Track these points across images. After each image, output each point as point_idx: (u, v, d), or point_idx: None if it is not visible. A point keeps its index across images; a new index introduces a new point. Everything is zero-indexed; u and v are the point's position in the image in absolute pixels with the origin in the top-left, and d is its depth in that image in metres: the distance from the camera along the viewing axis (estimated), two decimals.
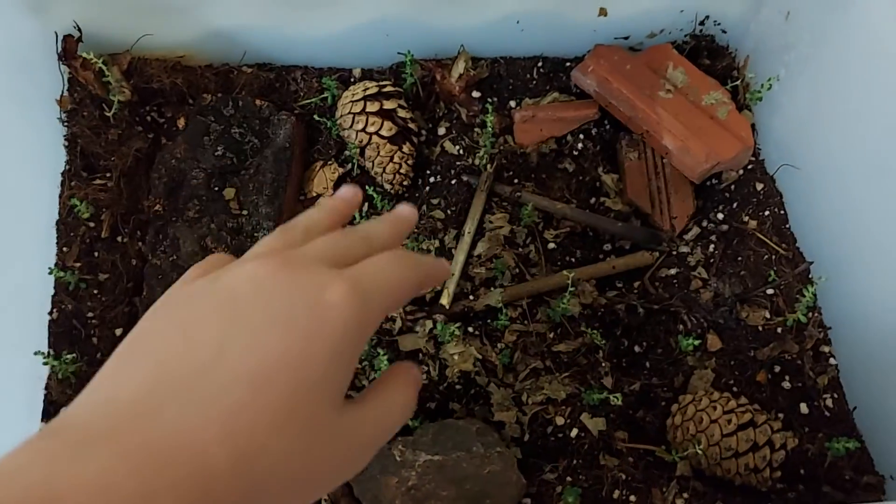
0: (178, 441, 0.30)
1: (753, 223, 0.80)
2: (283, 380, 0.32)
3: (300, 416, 0.33)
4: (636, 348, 0.76)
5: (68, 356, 0.71)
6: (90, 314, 0.76)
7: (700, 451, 0.65)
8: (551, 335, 0.76)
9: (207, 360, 0.32)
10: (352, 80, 0.89)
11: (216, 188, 0.79)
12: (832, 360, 0.73)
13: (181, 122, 0.83)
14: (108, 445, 0.29)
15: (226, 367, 0.32)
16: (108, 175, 0.81)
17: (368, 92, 0.82)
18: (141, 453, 0.29)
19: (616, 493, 0.67)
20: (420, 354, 0.75)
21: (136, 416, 0.30)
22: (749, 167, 0.84)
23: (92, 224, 0.79)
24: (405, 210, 0.45)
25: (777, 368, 0.73)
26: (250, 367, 0.32)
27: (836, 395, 0.72)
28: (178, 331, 0.34)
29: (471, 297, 0.79)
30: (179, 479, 0.29)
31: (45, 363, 0.71)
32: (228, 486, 0.30)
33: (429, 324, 0.76)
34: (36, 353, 0.71)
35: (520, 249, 0.81)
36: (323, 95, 0.86)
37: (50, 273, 0.75)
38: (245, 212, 0.78)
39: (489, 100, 0.88)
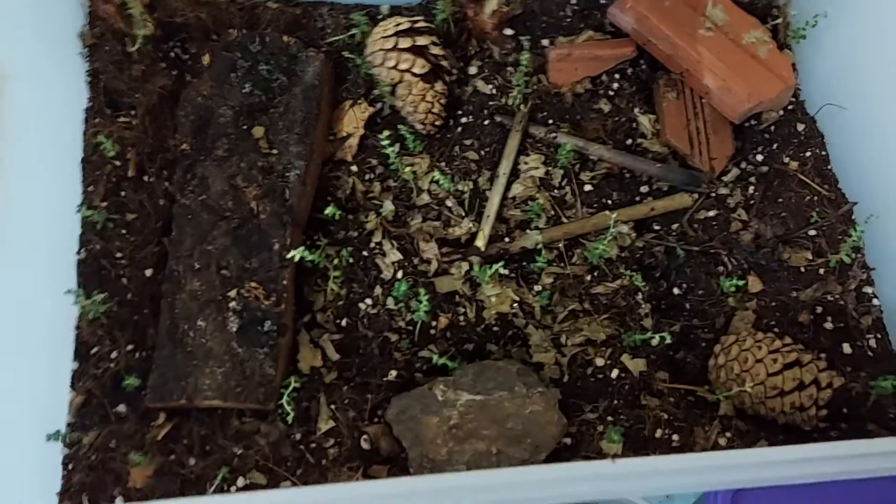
0: None
1: (794, 164, 0.79)
2: None
3: None
4: (675, 290, 0.75)
5: (98, 296, 0.70)
6: (119, 254, 0.74)
7: (749, 390, 0.64)
8: (589, 277, 0.75)
9: None
10: (379, 16, 0.86)
11: (245, 126, 0.77)
12: (875, 301, 0.72)
13: (206, 59, 0.80)
14: None
15: None
16: (132, 112, 0.79)
17: (400, 28, 0.79)
18: None
19: (658, 433, 0.67)
20: (457, 296, 0.74)
21: None
22: (790, 108, 0.82)
23: (118, 163, 0.77)
24: None
25: (819, 309, 0.72)
26: None
27: (879, 336, 0.71)
28: None
29: (506, 240, 0.77)
30: None
31: (76, 303, 0.69)
32: None
33: (465, 265, 0.75)
34: (66, 293, 0.69)
35: (555, 191, 0.79)
36: (351, 32, 0.84)
37: (77, 212, 0.73)
38: (275, 151, 0.76)
39: (522, 38, 0.85)
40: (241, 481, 0.66)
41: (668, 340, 0.67)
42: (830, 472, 0.48)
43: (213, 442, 0.67)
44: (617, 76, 0.84)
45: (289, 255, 0.67)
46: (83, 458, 0.66)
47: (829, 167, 0.78)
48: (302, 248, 0.67)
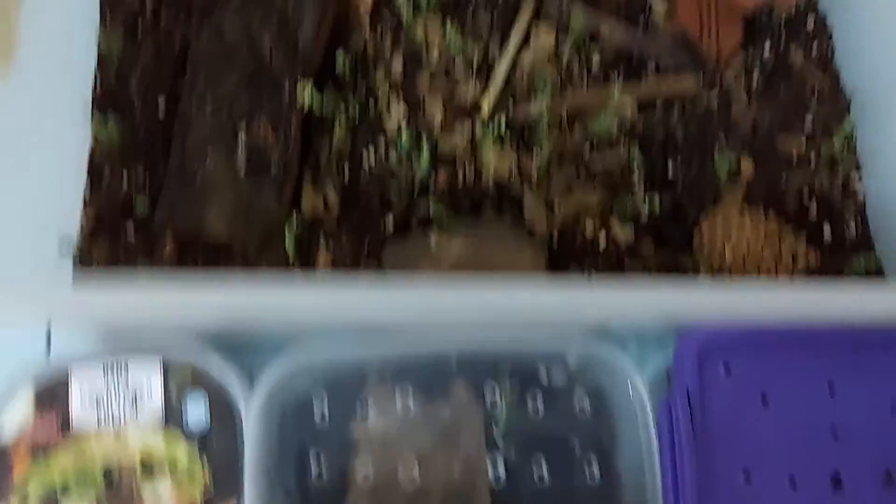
0: None
1: (800, 57, 0.80)
2: None
3: None
4: (670, 167, 0.78)
5: (112, 126, 0.72)
6: (133, 91, 0.76)
7: (727, 261, 0.67)
8: (588, 148, 0.77)
9: None
10: None
11: None
12: (860, 191, 0.75)
13: None
14: None
15: None
16: None
17: None
18: None
19: None
20: (457, 156, 0.76)
21: None
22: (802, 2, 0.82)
23: (135, 5, 0.78)
24: None
25: (806, 195, 0.75)
26: None
27: (859, 224, 0.74)
28: None
29: (510, 107, 0.79)
30: None
31: (92, 130, 0.72)
32: None
33: (468, 126, 0.77)
34: (82, 119, 0.72)
35: (564, 63, 0.80)
36: None
37: (96, 44, 0.75)
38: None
39: None
40: None
41: (657, 209, 0.70)
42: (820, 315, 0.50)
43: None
44: None
45: (299, 99, 0.69)
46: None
47: (833, 62, 0.80)
48: (311, 90, 0.69)
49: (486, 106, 0.78)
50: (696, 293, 0.50)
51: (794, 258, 0.68)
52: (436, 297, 0.49)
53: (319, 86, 0.78)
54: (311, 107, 0.73)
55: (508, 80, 0.80)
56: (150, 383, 0.66)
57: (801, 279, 0.68)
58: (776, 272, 0.68)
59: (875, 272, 0.70)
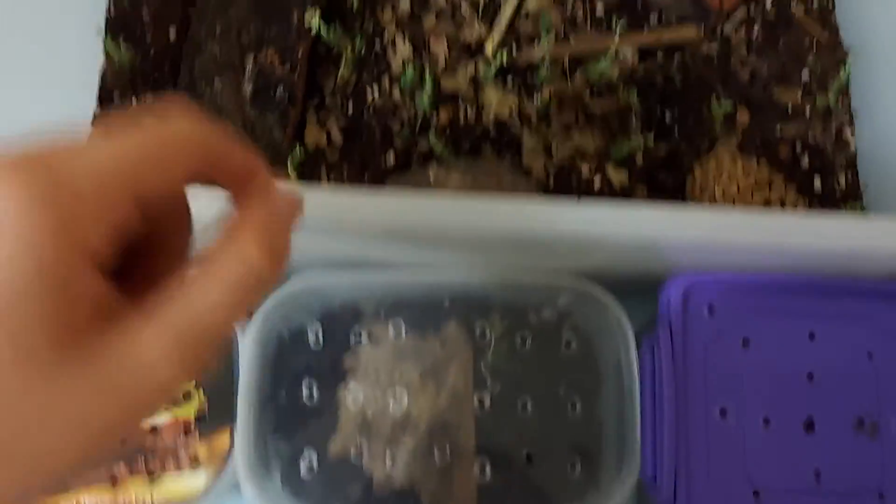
0: None
1: (801, 9, 0.81)
2: None
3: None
4: (667, 115, 0.79)
5: (124, 45, 0.74)
6: (145, 15, 0.77)
7: (718, 199, 0.69)
8: (588, 94, 0.79)
9: None
10: None
11: None
12: (851, 142, 0.76)
13: None
14: None
15: None
16: None
17: None
18: None
19: None
20: (459, 96, 0.78)
21: None
22: None
23: None
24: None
25: (799, 146, 0.76)
26: None
27: (850, 175, 0.75)
28: None
29: (514, 50, 0.80)
30: None
31: (104, 48, 0.73)
32: None
33: (470, 69, 0.79)
34: (95, 36, 0.73)
35: (567, 10, 0.82)
36: None
37: None
38: None
39: None
40: None
41: (652, 153, 0.72)
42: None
43: None
44: None
45: (307, 26, 0.71)
46: None
47: (833, 15, 0.81)
48: (319, 19, 0.70)
49: (490, 47, 0.79)
50: (683, 213, 0.52)
51: (782, 204, 0.70)
52: (432, 207, 0.51)
53: (327, 19, 0.79)
54: (317, 39, 0.74)
55: (512, 23, 0.81)
56: None
57: None
58: None
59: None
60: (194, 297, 0.26)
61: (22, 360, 0.22)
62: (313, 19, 0.72)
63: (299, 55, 0.73)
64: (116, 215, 0.25)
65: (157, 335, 0.25)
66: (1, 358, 0.22)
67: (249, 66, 0.73)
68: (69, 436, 0.23)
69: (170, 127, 0.29)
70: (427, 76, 0.76)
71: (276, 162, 0.72)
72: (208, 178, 0.30)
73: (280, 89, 0.72)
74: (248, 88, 0.72)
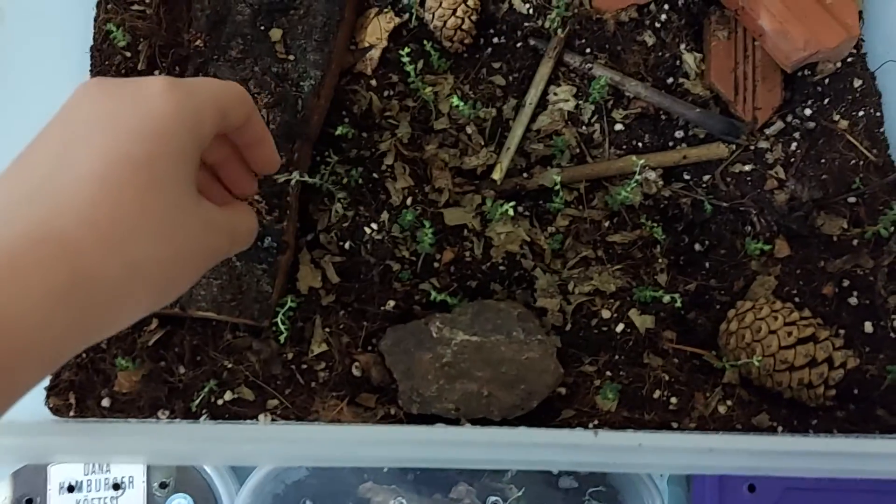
0: (38, 228, 0.34)
1: (844, 123, 0.73)
2: (127, 178, 0.36)
3: (157, 205, 0.37)
4: (697, 246, 0.71)
5: None
6: None
7: (756, 363, 0.61)
8: (607, 224, 0.71)
9: (50, 168, 0.36)
10: None
11: (262, 27, 0.72)
12: None
13: None
14: None
15: (69, 172, 0.36)
16: (146, 1, 0.75)
17: None
18: (4, 241, 0.33)
19: (657, 393, 0.65)
20: (465, 230, 0.71)
21: None
22: (848, 59, 0.75)
23: (128, 54, 0.73)
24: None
25: (846, 283, 0.68)
26: (93, 170, 0.36)
27: None
28: (32, 148, 0.38)
29: (524, 175, 0.73)
30: (44, 258, 0.33)
31: None
32: (99, 263, 0.35)
33: (477, 199, 0.72)
34: None
35: (583, 128, 0.74)
36: None
37: None
38: (291, 57, 0.72)
39: None
40: (228, 395, 0.65)
41: (679, 304, 0.64)
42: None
43: (204, 353, 0.67)
44: (666, 6, 0.77)
45: (288, 178, 0.64)
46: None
47: (881, 130, 0.72)
48: (297, 173, 0.64)
49: (498, 174, 0.72)
50: (703, 446, 0.44)
51: (829, 361, 0.62)
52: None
53: (319, 150, 0.73)
54: (311, 171, 0.68)
55: (522, 145, 0.74)
56: (131, 483, 0.62)
57: (835, 386, 0.62)
58: (808, 377, 0.62)
59: None
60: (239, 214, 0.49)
61: (188, 195, 0.40)
62: (293, 174, 0.65)
63: (288, 199, 0.67)
64: (210, 119, 0.42)
65: (225, 221, 0.45)
66: (177, 195, 0.39)
67: None
68: (216, 241, 0.43)
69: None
70: (427, 216, 0.70)
71: (265, 315, 0.66)
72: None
73: (267, 239, 0.66)
74: None
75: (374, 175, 0.72)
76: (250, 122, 0.47)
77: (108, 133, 0.37)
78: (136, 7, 0.75)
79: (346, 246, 0.70)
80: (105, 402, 0.64)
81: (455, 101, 0.70)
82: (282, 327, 0.66)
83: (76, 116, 0.38)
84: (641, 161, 0.69)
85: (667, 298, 0.66)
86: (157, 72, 0.74)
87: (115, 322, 0.37)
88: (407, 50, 0.70)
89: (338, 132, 0.69)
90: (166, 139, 0.38)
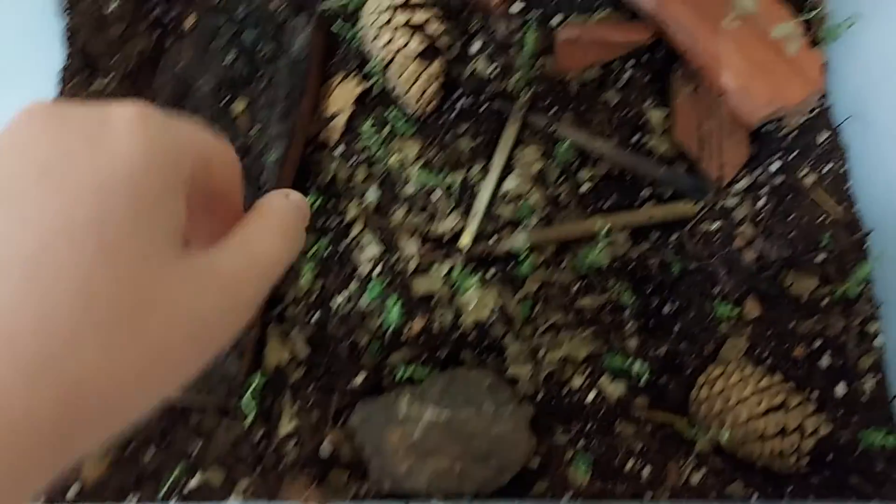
0: None
1: (811, 178, 0.73)
2: (67, 256, 0.25)
3: (117, 288, 0.25)
4: (666, 308, 0.71)
5: None
6: None
7: (724, 437, 0.61)
8: (576, 287, 0.71)
9: None
10: None
11: (224, 100, 0.72)
12: (878, 341, 0.67)
13: (189, 22, 0.75)
14: None
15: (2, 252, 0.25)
16: (110, 76, 0.75)
17: (396, 1, 0.73)
18: None
19: (630, 464, 0.64)
20: (434, 299, 0.70)
21: None
22: (814, 112, 0.75)
23: None
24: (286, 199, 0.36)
25: (817, 344, 0.68)
26: (22, 249, 0.25)
27: (877, 378, 0.66)
28: None
29: (493, 239, 0.73)
30: None
31: None
32: (22, 399, 0.24)
33: (445, 266, 0.71)
34: None
35: (550, 189, 0.74)
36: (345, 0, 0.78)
37: None
38: (255, 129, 0.71)
39: (530, 14, 0.79)
40: (198, 477, 0.65)
41: (647, 376, 0.64)
42: None
43: (171, 436, 0.66)
44: (631, 63, 0.77)
45: None
46: None
47: (848, 186, 0.72)
48: None
49: (467, 240, 0.72)
50: None
51: (800, 430, 0.61)
52: None
53: None
54: None
55: (490, 209, 0.74)
56: None
57: (808, 455, 0.61)
58: (780, 447, 0.61)
59: (894, 452, 0.63)
60: (256, 231, 0.32)
61: (167, 257, 0.27)
62: None
63: None
64: (192, 161, 0.30)
65: (233, 258, 0.30)
66: (148, 261, 0.26)
67: None
68: (227, 302, 0.29)
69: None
70: (396, 284, 0.69)
71: (232, 396, 0.65)
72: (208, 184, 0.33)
73: None
74: None
75: (342, 245, 0.71)
76: (232, 192, 0.35)
77: (50, 186, 0.26)
78: (99, 82, 0.74)
79: (315, 319, 0.70)
80: (72, 493, 0.64)
81: (421, 174, 0.70)
82: (250, 407, 0.66)
83: (10, 159, 0.27)
84: (607, 223, 0.69)
85: (637, 366, 0.65)
86: None
87: (60, 466, 0.26)
88: (369, 122, 0.70)
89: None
90: (132, 191, 0.27)
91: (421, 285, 0.70)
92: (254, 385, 0.66)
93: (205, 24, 0.73)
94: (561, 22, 0.79)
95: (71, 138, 0.27)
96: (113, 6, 0.74)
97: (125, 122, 0.28)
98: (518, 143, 0.75)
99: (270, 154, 0.70)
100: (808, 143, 0.74)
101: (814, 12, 0.76)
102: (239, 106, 0.72)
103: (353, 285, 0.70)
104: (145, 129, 0.28)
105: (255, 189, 0.69)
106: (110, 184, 0.26)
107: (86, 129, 0.28)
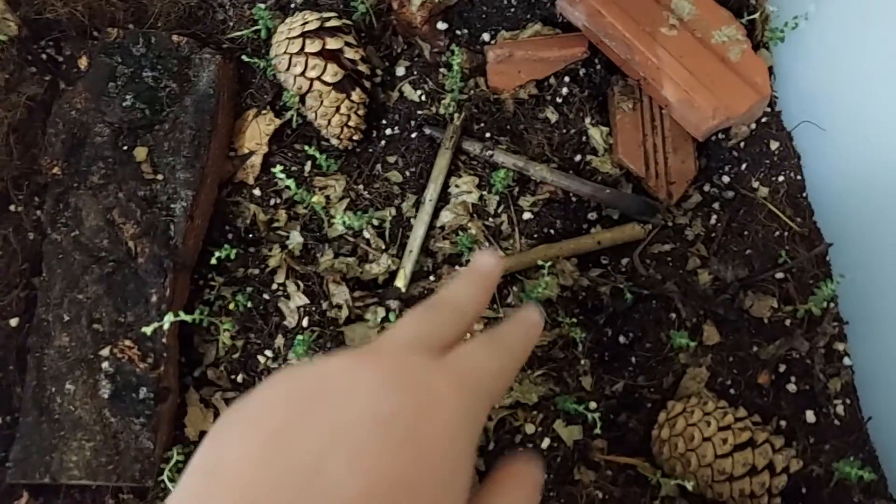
0: None
1: (764, 190, 0.68)
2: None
3: None
4: (621, 339, 0.66)
5: None
6: None
7: (688, 482, 0.56)
8: None
9: (303, 480, 0.26)
10: (292, 5, 0.74)
11: (125, 147, 0.66)
12: (847, 361, 0.63)
13: (83, 62, 0.68)
14: None
15: (327, 490, 0.26)
16: None
17: (308, 27, 0.67)
18: None
19: None
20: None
21: None
22: (763, 119, 0.71)
23: None
24: (487, 262, 0.38)
25: (782, 368, 0.63)
26: (356, 489, 0.26)
27: (848, 402, 0.62)
28: (265, 443, 0.27)
29: (431, 278, 0.67)
30: None
31: None
32: None
33: (381, 311, 0.65)
34: None
35: (490, 220, 0.69)
36: (256, 27, 0.72)
37: None
38: (160, 177, 0.65)
39: (458, 32, 0.74)
40: None
41: (599, 425, 0.58)
42: None
43: None
44: (567, 79, 0.72)
45: (160, 323, 0.57)
46: None
47: (803, 195, 0.68)
48: (171, 315, 0.57)
49: (402, 281, 0.66)
50: None
51: (770, 468, 0.57)
52: None
53: (202, 273, 0.66)
54: (188, 306, 0.61)
55: (426, 245, 0.68)
56: None
57: (780, 494, 0.57)
58: (750, 487, 0.56)
59: (871, 484, 0.58)
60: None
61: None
62: (165, 317, 0.58)
63: (163, 342, 0.60)
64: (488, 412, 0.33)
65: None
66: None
67: (105, 361, 0.60)
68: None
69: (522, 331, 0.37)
70: (327, 335, 0.63)
71: (148, 475, 0.58)
72: None
73: (143, 389, 0.59)
74: (105, 391, 0.59)
75: (265, 296, 0.65)
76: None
77: (388, 448, 0.27)
78: None
79: (239, 379, 0.64)
80: None
81: (348, 213, 0.64)
82: (169, 485, 0.59)
83: (342, 414, 0.28)
84: (552, 252, 0.63)
85: (591, 410, 0.60)
86: (12, 206, 0.66)
87: None
88: (288, 159, 0.64)
89: (219, 255, 0.62)
90: (449, 460, 0.28)
91: (355, 334, 0.65)
92: (173, 460, 0.59)
93: (99, 65, 0.67)
94: (491, 39, 0.74)
95: (401, 399, 0.28)
96: None
97: (448, 396, 0.29)
98: (452, 171, 0.69)
99: (178, 204, 0.64)
100: (758, 152, 0.70)
101: (755, 14, 0.71)
102: (141, 153, 0.65)
103: (280, 340, 0.64)
104: (463, 407, 0.30)
105: (164, 244, 0.63)
106: (432, 453, 0.28)
107: (416, 393, 0.29)
